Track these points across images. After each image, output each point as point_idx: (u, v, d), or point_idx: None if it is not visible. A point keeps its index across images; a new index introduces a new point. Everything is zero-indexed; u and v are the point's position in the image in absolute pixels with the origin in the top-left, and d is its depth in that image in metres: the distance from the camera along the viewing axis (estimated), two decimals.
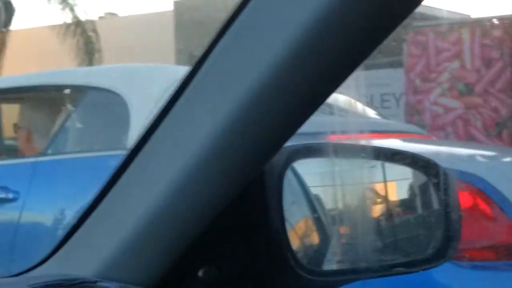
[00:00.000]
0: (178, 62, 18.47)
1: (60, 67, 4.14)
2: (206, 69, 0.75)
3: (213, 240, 0.81)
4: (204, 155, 0.74)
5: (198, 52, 0.77)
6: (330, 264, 0.97)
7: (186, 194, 0.76)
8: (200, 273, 0.82)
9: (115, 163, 2.97)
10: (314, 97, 0.73)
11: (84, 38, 20.37)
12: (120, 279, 0.80)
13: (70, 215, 2.98)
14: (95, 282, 0.78)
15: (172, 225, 0.77)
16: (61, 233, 2.92)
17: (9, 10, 19.11)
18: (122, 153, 2.91)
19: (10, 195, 3.20)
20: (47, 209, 3.13)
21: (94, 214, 0.85)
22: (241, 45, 0.72)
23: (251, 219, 0.83)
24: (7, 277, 0.85)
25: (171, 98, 0.80)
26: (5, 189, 3.22)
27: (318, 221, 0.96)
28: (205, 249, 0.82)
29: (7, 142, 4.75)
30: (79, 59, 20.39)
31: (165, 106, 0.80)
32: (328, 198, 0.97)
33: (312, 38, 0.67)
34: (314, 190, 0.98)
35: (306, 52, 0.68)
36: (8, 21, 19.32)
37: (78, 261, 0.85)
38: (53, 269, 0.88)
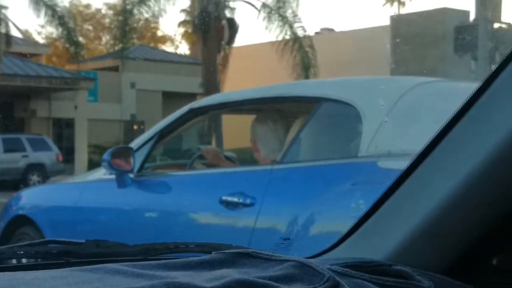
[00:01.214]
0: (393, 74, 18.37)
1: (278, 80, 4.34)
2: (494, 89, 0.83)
3: (508, 229, 0.86)
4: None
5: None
6: None
7: (480, 189, 0.83)
8: (494, 261, 0.88)
9: (347, 171, 3.06)
10: None
11: (301, 53, 20.95)
12: (410, 264, 0.89)
13: (303, 219, 3.12)
14: (390, 265, 0.87)
15: (465, 216, 0.84)
16: (292, 235, 3.06)
17: (233, 28, 20.16)
18: (353, 161, 2.99)
19: (248, 200, 3.40)
20: (282, 214, 3.29)
21: (385, 206, 0.95)
22: None
23: None
24: (306, 258, 0.97)
25: (458, 112, 0.89)
26: (243, 195, 3.43)
27: None
28: (500, 237, 0.87)
29: (227, 153, 5.02)
30: (295, 74, 20.99)
31: (454, 115, 0.89)
32: None
33: None
34: None
35: None
36: (231, 39, 20.40)
37: (369, 246, 0.95)
38: (344, 253, 0.98)
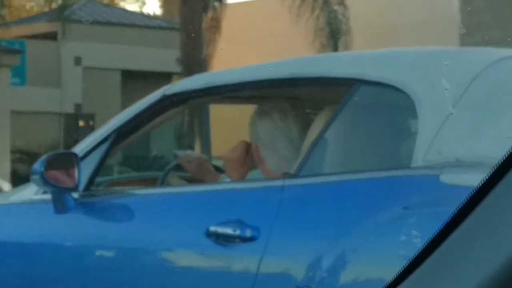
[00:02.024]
0: (463, 44, 18.42)
1: (292, 54, 4.35)
2: None
3: None
4: None
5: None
6: None
7: None
8: None
9: (395, 189, 3.09)
10: None
11: (327, 14, 20.99)
12: None
13: (329, 260, 3.13)
14: None
15: None
16: (313, 283, 3.07)
17: None
18: (405, 174, 3.02)
19: (248, 232, 3.42)
20: (299, 253, 3.30)
21: (450, 240, 0.95)
22: None
23: None
24: None
25: None
26: (240, 224, 3.44)
27: None
28: None
29: (217, 162, 5.03)
30: (318, 43, 21.04)
31: None
32: None
33: None
34: None
35: None
36: None
37: None
38: None
